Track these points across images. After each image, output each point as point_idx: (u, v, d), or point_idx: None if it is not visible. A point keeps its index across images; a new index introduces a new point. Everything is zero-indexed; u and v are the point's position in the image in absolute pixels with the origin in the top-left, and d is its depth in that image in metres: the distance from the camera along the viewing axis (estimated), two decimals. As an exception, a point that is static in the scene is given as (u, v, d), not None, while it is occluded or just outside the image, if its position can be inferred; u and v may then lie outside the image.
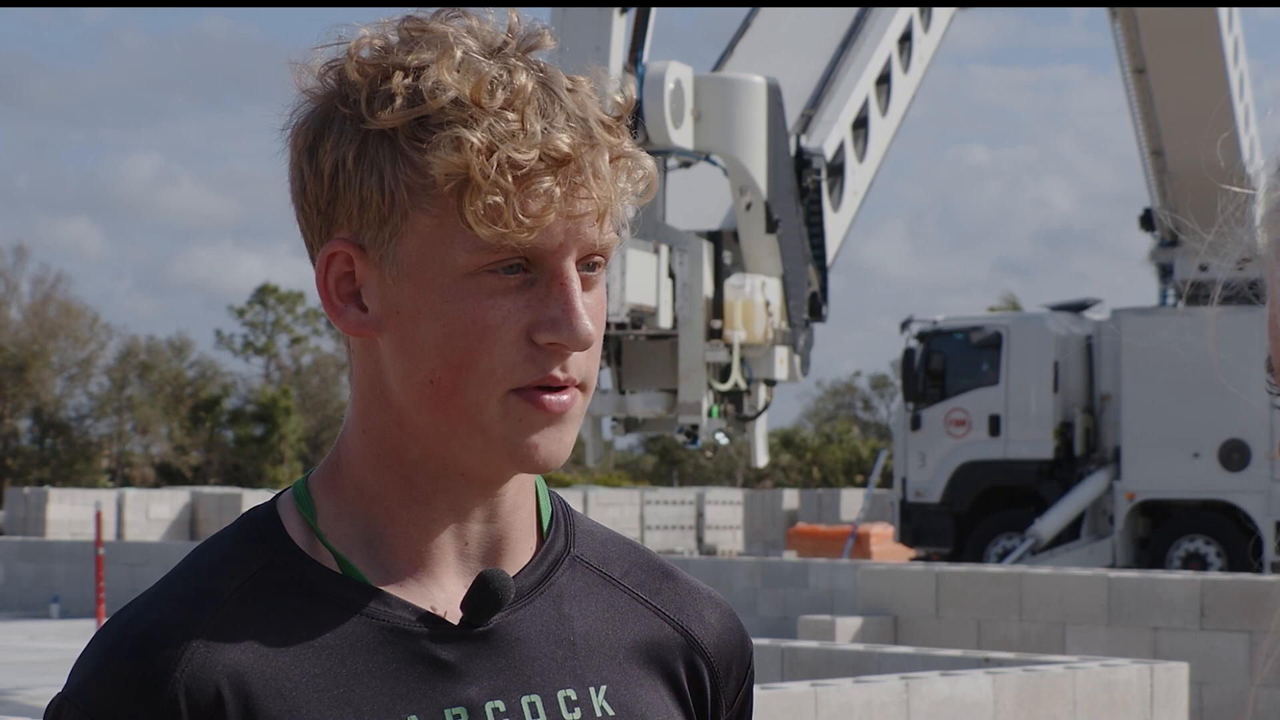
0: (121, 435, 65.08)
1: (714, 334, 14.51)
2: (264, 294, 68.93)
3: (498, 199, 1.55)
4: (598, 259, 1.61)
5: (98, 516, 19.33)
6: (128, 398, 64.34)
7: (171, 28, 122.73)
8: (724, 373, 14.58)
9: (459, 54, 1.58)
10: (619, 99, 1.63)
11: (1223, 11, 24.55)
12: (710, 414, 14.53)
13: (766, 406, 15.12)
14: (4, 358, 60.52)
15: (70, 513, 35.05)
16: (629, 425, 14.93)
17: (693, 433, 14.61)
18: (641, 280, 14.08)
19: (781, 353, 14.99)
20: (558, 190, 1.56)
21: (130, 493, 37.27)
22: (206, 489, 40.14)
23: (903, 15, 18.48)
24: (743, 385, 14.64)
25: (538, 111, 1.57)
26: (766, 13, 18.26)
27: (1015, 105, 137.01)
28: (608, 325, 13.89)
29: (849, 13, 18.27)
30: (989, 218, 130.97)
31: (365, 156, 1.58)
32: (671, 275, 14.36)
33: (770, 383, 15.09)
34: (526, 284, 1.58)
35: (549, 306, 1.58)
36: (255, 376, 68.84)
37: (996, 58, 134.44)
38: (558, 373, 1.59)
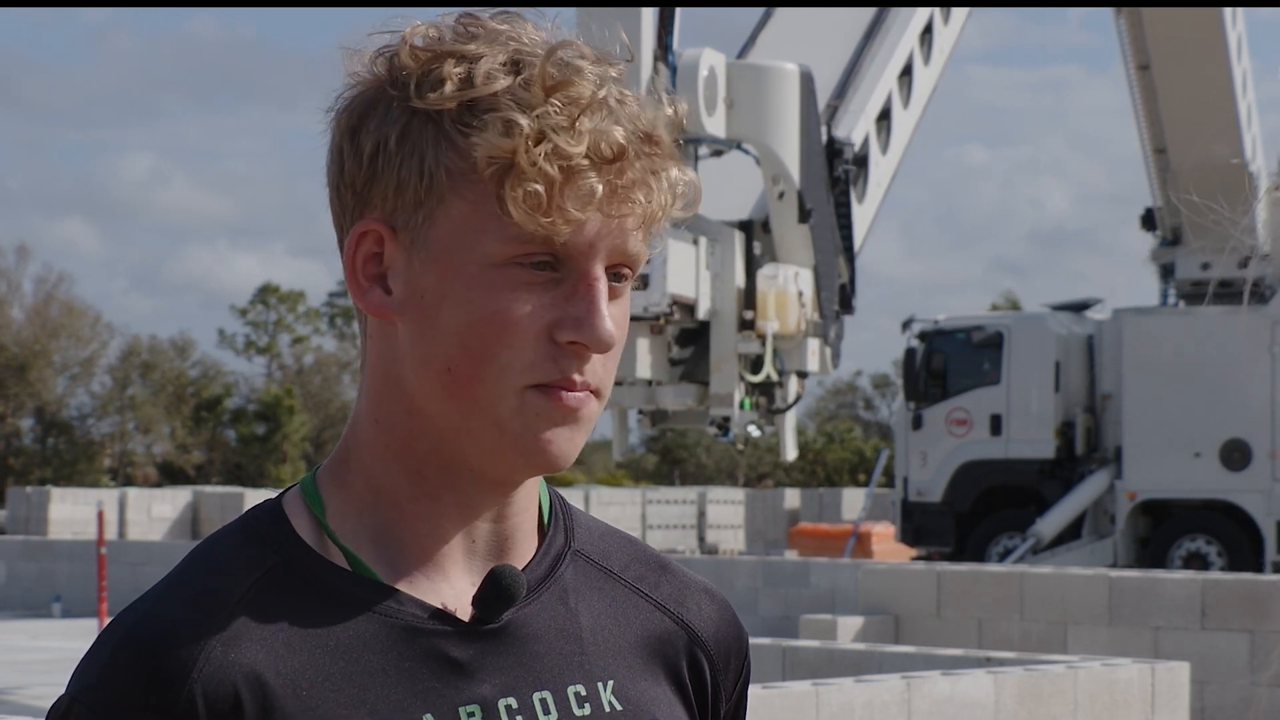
0: (123, 434, 65.08)
1: (746, 325, 14.40)
2: (265, 293, 68.97)
3: (538, 187, 1.54)
4: (626, 270, 1.61)
5: (100, 516, 19.32)
6: (130, 397, 64.34)
7: (166, 28, 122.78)
8: (755, 364, 14.45)
9: (516, 48, 1.59)
10: (671, 113, 1.62)
11: (1226, 9, 24.56)
12: (742, 406, 14.40)
13: (798, 399, 15.00)
14: (6, 357, 60.51)
15: (72, 512, 35.04)
16: (657, 418, 14.75)
17: (724, 425, 14.48)
18: (682, 271, 13.99)
19: (813, 344, 14.83)
20: (600, 188, 1.56)
21: (132, 492, 37.25)
22: (209, 488, 40.12)
23: (926, 8, 18.42)
24: (775, 377, 14.50)
25: (593, 109, 1.57)
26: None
27: (1013, 105, 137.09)
28: (655, 319, 13.79)
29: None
30: (986, 217, 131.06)
31: (408, 138, 1.58)
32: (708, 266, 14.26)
33: (802, 374, 14.93)
34: (553, 282, 1.58)
35: (573, 306, 1.58)
36: (257, 376, 68.91)
37: (994, 58, 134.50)
38: (575, 375, 1.58)
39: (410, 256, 1.59)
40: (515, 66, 1.57)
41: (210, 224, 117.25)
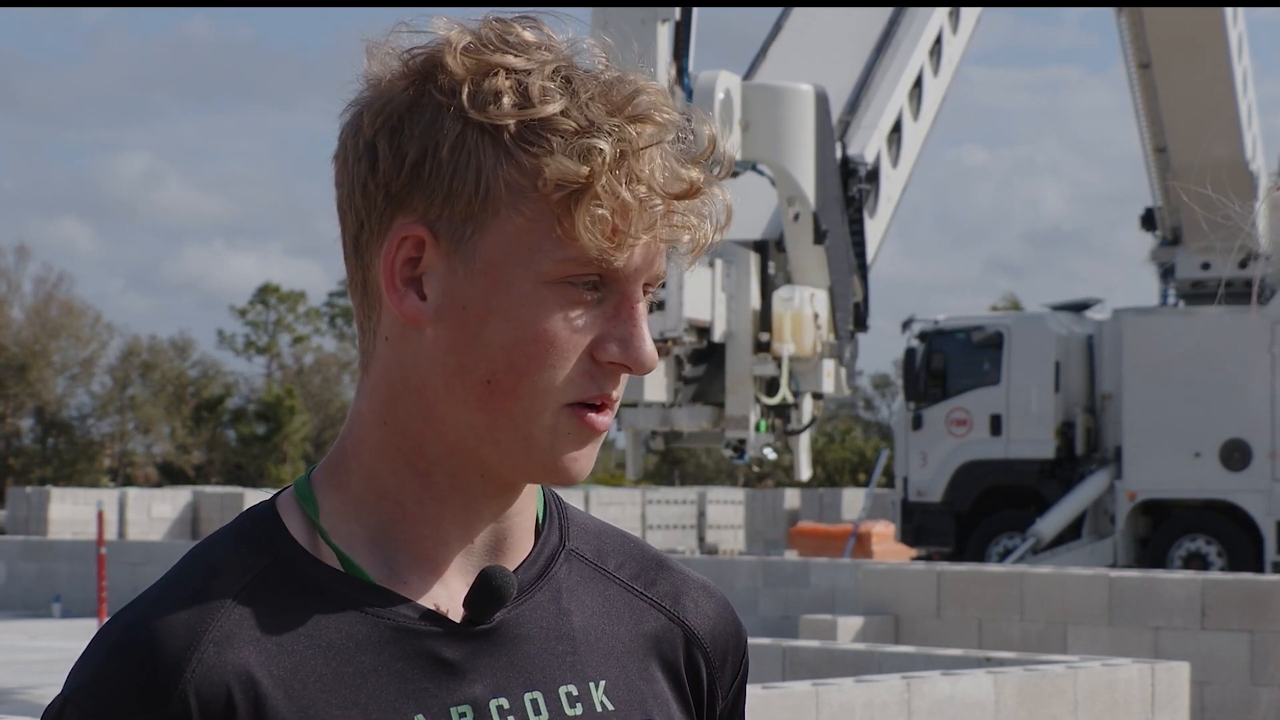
0: (123, 435, 65.09)
1: (761, 347, 14.33)
2: (265, 293, 68.99)
3: (605, 212, 1.55)
4: (651, 288, 1.63)
5: (99, 516, 19.34)
6: (130, 397, 64.34)
7: (163, 28, 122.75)
8: (771, 386, 14.40)
9: (558, 63, 1.59)
10: (707, 132, 1.63)
11: (1227, 8, 24.56)
12: (758, 428, 14.35)
13: (814, 420, 14.94)
14: (6, 357, 60.52)
15: (72, 512, 35.03)
16: (671, 439, 14.72)
17: (740, 447, 14.44)
18: (698, 295, 13.94)
19: (828, 365, 14.76)
20: (661, 215, 1.58)
21: (132, 492, 37.24)
22: (209, 488, 40.12)
23: (936, 19, 18.33)
24: (790, 399, 14.45)
25: (658, 134, 1.58)
26: (798, 15, 18.06)
27: (1010, 106, 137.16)
28: (661, 340, 13.79)
29: (881, 15, 18.10)
30: (984, 218, 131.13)
31: (463, 148, 1.57)
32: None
33: (817, 396, 14.87)
34: (595, 302, 1.59)
35: (616, 327, 1.59)
36: (257, 376, 68.92)
37: (992, 59, 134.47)
38: (612, 393, 1.60)
39: (452, 264, 1.59)
40: (568, 84, 1.58)
41: (207, 224, 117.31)
